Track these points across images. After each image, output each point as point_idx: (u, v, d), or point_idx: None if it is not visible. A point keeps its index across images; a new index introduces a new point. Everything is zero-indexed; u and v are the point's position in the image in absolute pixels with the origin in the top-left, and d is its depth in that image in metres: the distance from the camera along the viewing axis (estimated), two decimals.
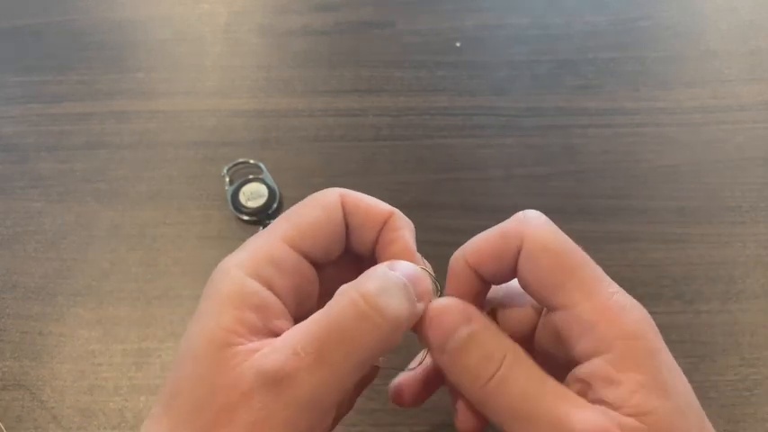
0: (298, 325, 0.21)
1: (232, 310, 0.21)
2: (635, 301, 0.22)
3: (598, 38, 0.56)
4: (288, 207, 0.45)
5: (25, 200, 0.47)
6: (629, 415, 0.19)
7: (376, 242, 0.25)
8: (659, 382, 0.20)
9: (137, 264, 0.44)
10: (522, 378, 0.21)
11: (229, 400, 0.20)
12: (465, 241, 0.25)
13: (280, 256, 0.23)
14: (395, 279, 0.22)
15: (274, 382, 0.19)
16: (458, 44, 0.56)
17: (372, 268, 0.23)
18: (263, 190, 0.46)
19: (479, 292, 0.25)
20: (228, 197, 0.46)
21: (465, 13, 0.59)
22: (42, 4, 0.61)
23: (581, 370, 0.21)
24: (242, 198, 0.46)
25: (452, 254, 0.25)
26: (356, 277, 0.22)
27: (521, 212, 0.23)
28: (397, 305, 0.21)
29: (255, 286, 0.22)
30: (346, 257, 0.26)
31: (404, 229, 0.25)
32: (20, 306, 0.42)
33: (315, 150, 0.49)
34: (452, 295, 0.24)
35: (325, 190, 0.25)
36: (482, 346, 0.22)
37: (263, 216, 0.45)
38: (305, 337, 0.20)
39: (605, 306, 0.21)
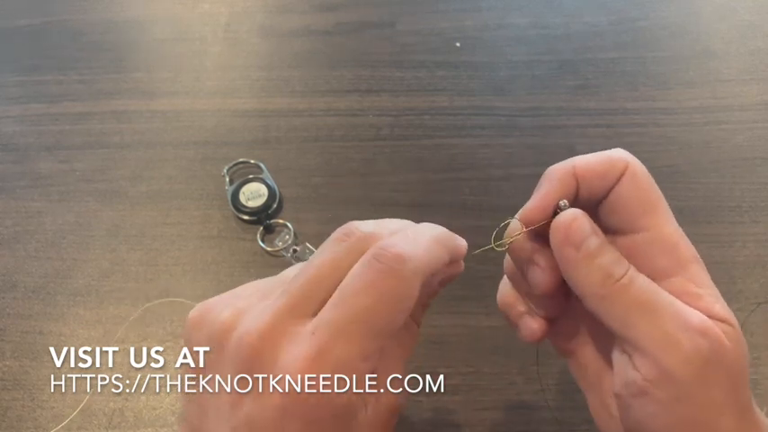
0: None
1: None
2: None
3: (597, 38, 0.56)
4: (288, 207, 0.46)
5: (25, 200, 0.47)
6: (719, 320, 0.23)
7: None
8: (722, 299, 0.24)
9: (137, 264, 0.44)
10: (645, 280, 0.23)
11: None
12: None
13: None
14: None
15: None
16: (458, 44, 0.56)
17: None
18: (263, 190, 0.46)
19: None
20: (228, 197, 0.46)
21: (465, 13, 0.59)
22: (42, 4, 0.61)
23: (664, 287, 0.23)
24: (242, 198, 0.46)
25: None
26: None
27: (614, 149, 0.25)
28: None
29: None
30: None
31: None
32: (20, 306, 0.42)
33: (315, 150, 0.49)
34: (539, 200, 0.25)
35: None
36: (613, 252, 0.24)
37: (263, 216, 0.45)
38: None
39: (680, 232, 0.24)
